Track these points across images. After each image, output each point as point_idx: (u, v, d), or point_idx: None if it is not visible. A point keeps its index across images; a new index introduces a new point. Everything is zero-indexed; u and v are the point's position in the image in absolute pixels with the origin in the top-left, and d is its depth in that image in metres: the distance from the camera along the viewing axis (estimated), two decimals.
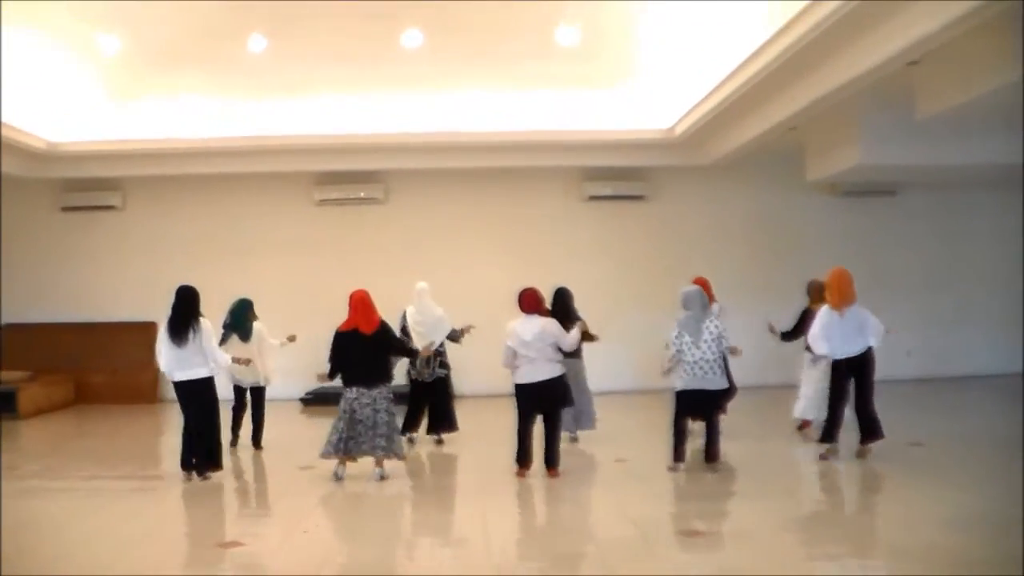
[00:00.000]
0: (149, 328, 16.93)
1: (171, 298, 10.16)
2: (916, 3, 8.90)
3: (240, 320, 11.61)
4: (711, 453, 10.05)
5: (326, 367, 9.94)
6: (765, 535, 7.60)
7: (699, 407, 10.00)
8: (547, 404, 9.89)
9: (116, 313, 17.20)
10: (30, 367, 15.97)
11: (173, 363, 9.99)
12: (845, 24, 9.59)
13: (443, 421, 12.11)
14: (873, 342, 10.22)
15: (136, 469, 11.24)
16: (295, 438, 12.35)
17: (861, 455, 10.39)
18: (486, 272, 16.49)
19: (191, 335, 9.89)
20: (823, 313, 10.41)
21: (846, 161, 14.22)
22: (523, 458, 9.95)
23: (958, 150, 13.67)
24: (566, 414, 10.71)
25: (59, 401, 16.07)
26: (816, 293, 11.83)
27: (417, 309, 11.85)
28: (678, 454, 10.02)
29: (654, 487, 9.42)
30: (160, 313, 16.40)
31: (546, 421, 9.97)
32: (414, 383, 11.94)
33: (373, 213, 17.34)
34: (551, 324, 9.97)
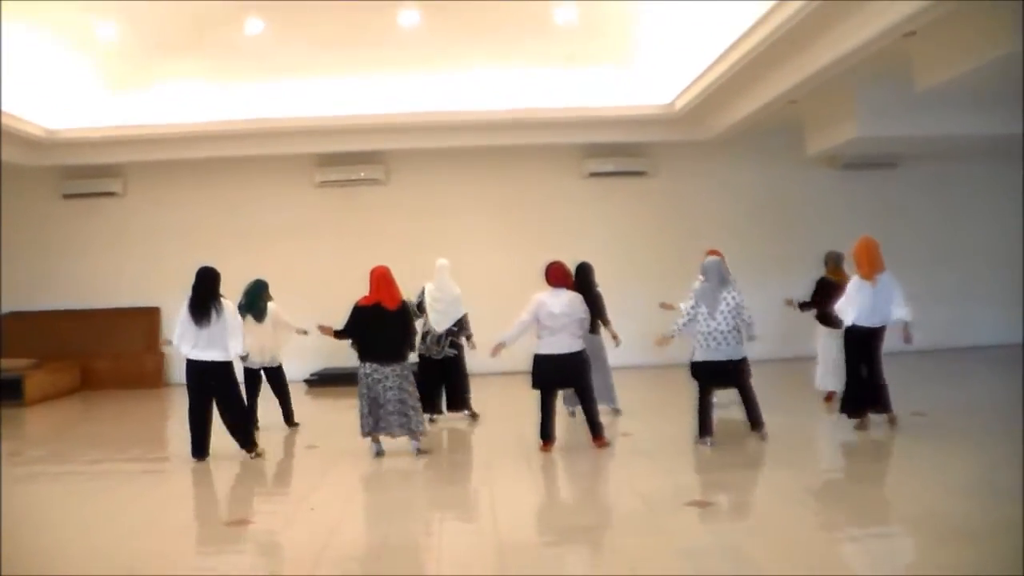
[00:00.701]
0: (152, 313, 17.14)
1: (190, 280, 10.14)
2: None
3: (255, 300, 11.64)
4: (753, 421, 9.99)
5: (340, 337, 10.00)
6: (769, 505, 7.70)
7: (717, 377, 9.93)
8: (568, 377, 9.96)
9: (118, 299, 17.29)
10: (33, 355, 15.98)
11: (192, 343, 9.91)
12: None
13: (455, 400, 12.15)
14: (905, 314, 10.20)
15: (143, 452, 11.21)
16: (301, 418, 12.34)
17: (863, 427, 10.43)
18: (488, 250, 16.56)
19: (213, 315, 9.85)
20: (854, 283, 10.29)
21: (845, 134, 14.25)
22: (547, 433, 9.96)
23: (956, 121, 13.71)
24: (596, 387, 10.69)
25: (64, 388, 16.12)
26: (832, 263, 11.91)
27: (436, 286, 11.86)
28: (704, 428, 9.92)
29: (661, 461, 9.42)
30: (162, 298, 16.89)
31: (580, 394, 10.03)
32: (423, 360, 11.95)
33: (374, 194, 17.37)
34: (579, 300, 9.97)
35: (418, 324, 11.34)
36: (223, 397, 10.06)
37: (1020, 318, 17.25)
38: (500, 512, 7.61)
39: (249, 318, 11.48)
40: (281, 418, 12.15)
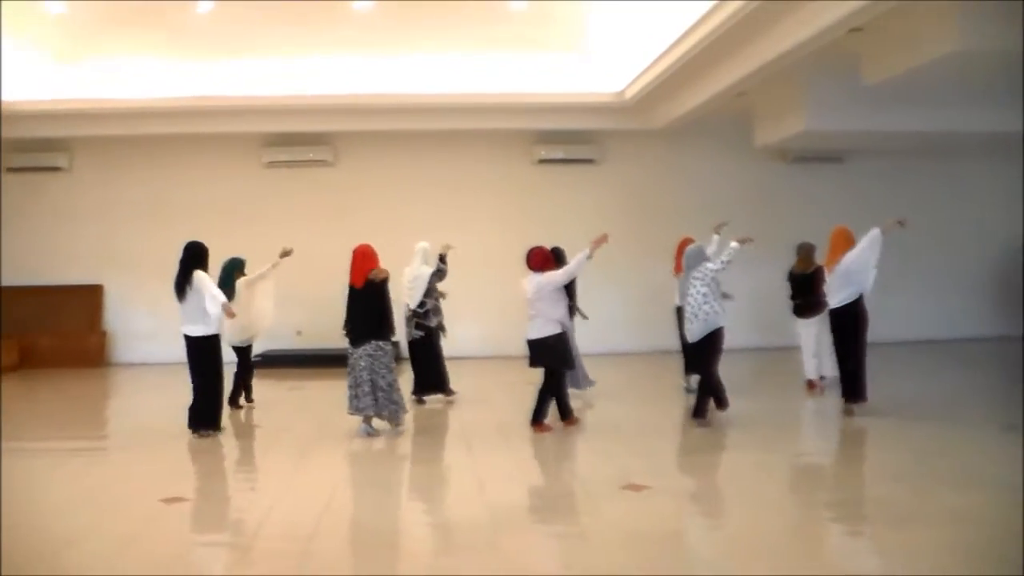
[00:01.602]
0: (96, 291, 16.98)
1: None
2: None
3: (226, 279, 11.53)
4: (700, 408, 10.25)
5: None
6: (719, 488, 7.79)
7: (690, 354, 10.53)
8: (538, 361, 10.04)
9: (63, 276, 17.06)
10: None
11: (181, 317, 10.07)
12: None
13: (421, 383, 12.22)
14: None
15: (85, 431, 11.17)
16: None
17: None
18: (437, 235, 16.44)
19: (188, 290, 9.92)
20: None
21: (793, 127, 14.39)
22: (536, 418, 10.08)
23: (903, 117, 13.93)
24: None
25: (4, 365, 15.85)
26: (803, 254, 12.35)
27: (410, 268, 12.02)
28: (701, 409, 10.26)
29: (607, 444, 9.54)
30: (107, 276, 16.72)
31: (547, 376, 10.10)
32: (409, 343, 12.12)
33: (322, 175, 17.30)
34: (545, 276, 9.98)
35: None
36: (196, 368, 10.08)
37: (959, 313, 17.61)
38: (438, 492, 7.72)
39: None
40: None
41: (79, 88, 15.27)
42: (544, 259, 10.14)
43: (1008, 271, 18.08)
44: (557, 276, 9.92)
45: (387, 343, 9.96)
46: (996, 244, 18.28)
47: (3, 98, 14.71)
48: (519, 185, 17.48)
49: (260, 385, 13.66)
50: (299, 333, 16.53)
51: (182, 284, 9.98)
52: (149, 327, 16.76)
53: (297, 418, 11.22)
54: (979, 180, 18.20)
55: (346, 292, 10.02)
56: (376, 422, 10.10)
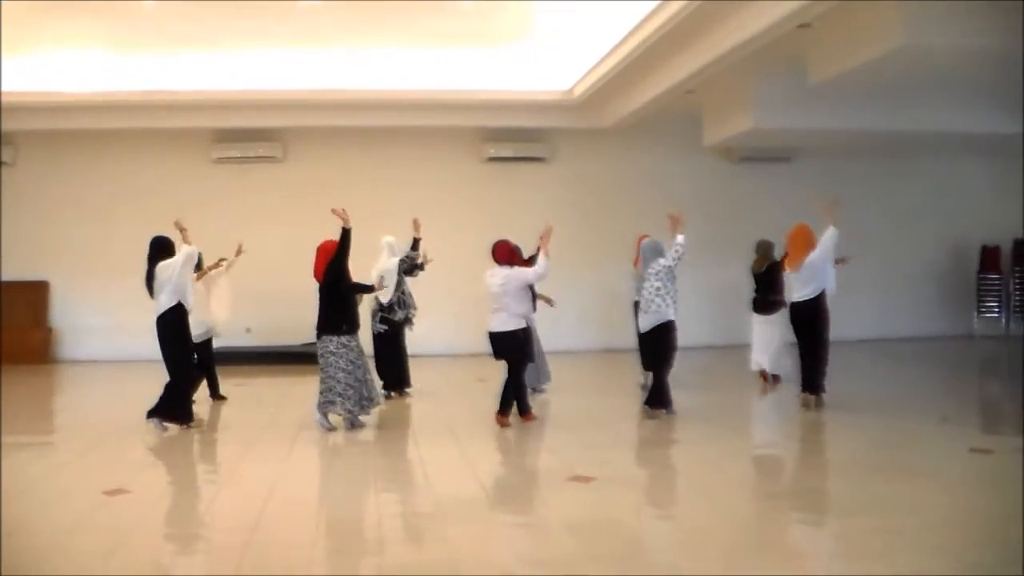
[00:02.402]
0: (39, 287, 16.74)
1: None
2: None
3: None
4: (651, 398, 10.47)
5: None
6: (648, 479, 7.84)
7: (644, 346, 10.48)
8: (502, 354, 10.08)
9: (7, 272, 16.70)
10: None
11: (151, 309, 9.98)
12: None
13: (386, 378, 12.22)
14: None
15: (30, 426, 11.06)
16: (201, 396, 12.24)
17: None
18: (387, 232, 16.43)
19: (155, 285, 9.91)
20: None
21: (741, 125, 14.47)
22: (502, 410, 10.09)
23: (850, 116, 14.07)
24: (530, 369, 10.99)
25: None
26: (761, 252, 12.63)
27: (378, 264, 12.07)
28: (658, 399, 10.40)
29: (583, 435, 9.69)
30: (51, 271, 16.49)
31: (510, 370, 10.11)
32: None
33: (271, 172, 17.19)
34: (515, 271, 10.07)
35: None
36: (164, 356, 9.98)
37: (892, 313, 17.96)
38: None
39: None
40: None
41: (23, 81, 15.01)
42: (510, 253, 10.24)
43: (959, 269, 18.36)
44: (527, 274, 10.05)
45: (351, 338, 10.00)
46: (946, 241, 18.51)
47: None
48: (469, 183, 17.48)
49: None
50: (248, 330, 16.37)
51: (150, 282, 9.96)
52: (95, 323, 16.59)
53: (247, 412, 11.11)
54: (928, 178, 18.45)
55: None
56: (334, 418, 10.10)
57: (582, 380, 14.13)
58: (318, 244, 10.18)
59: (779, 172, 17.74)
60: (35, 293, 16.85)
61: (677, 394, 10.54)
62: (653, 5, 11.26)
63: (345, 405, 9.85)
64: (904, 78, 12.05)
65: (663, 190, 17.47)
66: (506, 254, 10.15)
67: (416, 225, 12.28)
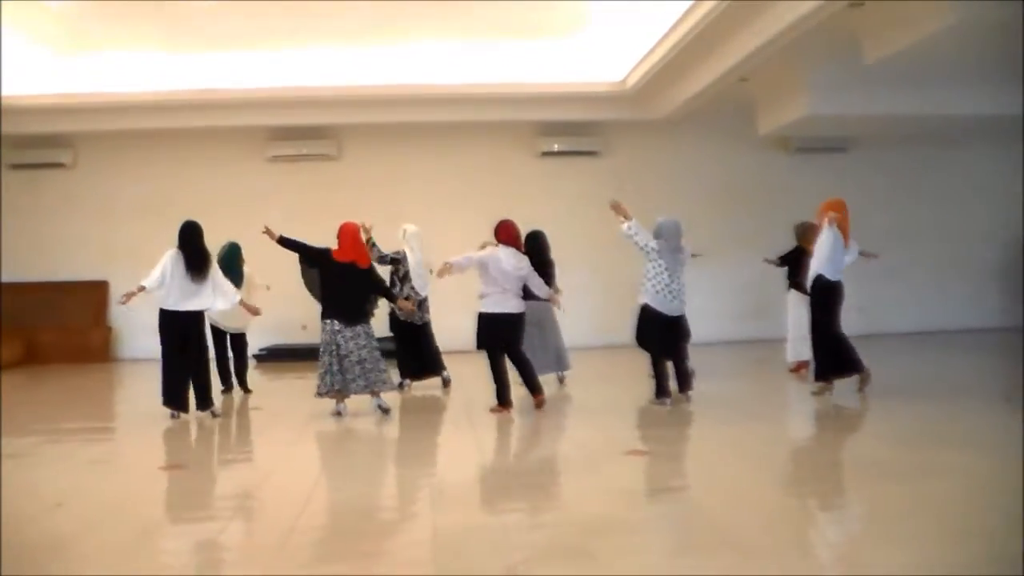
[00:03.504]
0: (100, 287, 16.99)
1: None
2: None
3: (232, 264, 11.59)
4: (686, 382, 10.31)
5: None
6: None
7: (669, 331, 10.13)
8: (510, 338, 9.95)
9: (66, 272, 17.04)
10: None
11: (180, 294, 9.92)
12: None
13: (433, 364, 12.25)
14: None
15: (95, 415, 11.43)
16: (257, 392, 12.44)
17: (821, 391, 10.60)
18: (440, 228, 16.41)
19: (209, 270, 10.04)
20: (833, 236, 10.46)
21: (796, 112, 14.28)
22: (505, 396, 9.98)
23: (909, 99, 13.83)
24: (547, 355, 11.13)
25: (9, 359, 15.79)
26: (807, 233, 12.15)
27: (414, 249, 11.99)
28: (663, 388, 10.13)
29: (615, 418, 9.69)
30: (111, 271, 16.65)
31: (513, 357, 10.00)
32: (404, 325, 11.93)
33: (326, 170, 17.28)
34: (527, 261, 10.08)
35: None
36: (197, 349, 10.09)
37: (973, 303, 17.62)
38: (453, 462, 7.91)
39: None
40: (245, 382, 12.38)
41: (81, 83, 15.27)
42: (516, 235, 10.23)
43: (1013, 261, 18.01)
44: (536, 280, 10.14)
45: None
46: (1002, 234, 18.17)
47: (5, 93, 14.75)
48: (523, 178, 17.42)
49: (264, 377, 13.77)
50: (304, 327, 16.47)
51: (205, 266, 10.08)
52: (154, 322, 16.69)
53: (296, 402, 11.16)
54: (984, 169, 18.10)
55: (326, 259, 10.02)
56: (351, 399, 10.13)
57: (606, 371, 13.95)
58: (350, 226, 10.14)
59: (835, 162, 17.50)
60: (95, 293, 17.09)
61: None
62: None
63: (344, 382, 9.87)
64: (960, 57, 11.83)
65: (717, 183, 17.42)
66: (513, 236, 10.14)
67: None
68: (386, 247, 11.83)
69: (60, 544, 5.56)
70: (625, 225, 10.10)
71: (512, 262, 9.88)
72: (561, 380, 11.92)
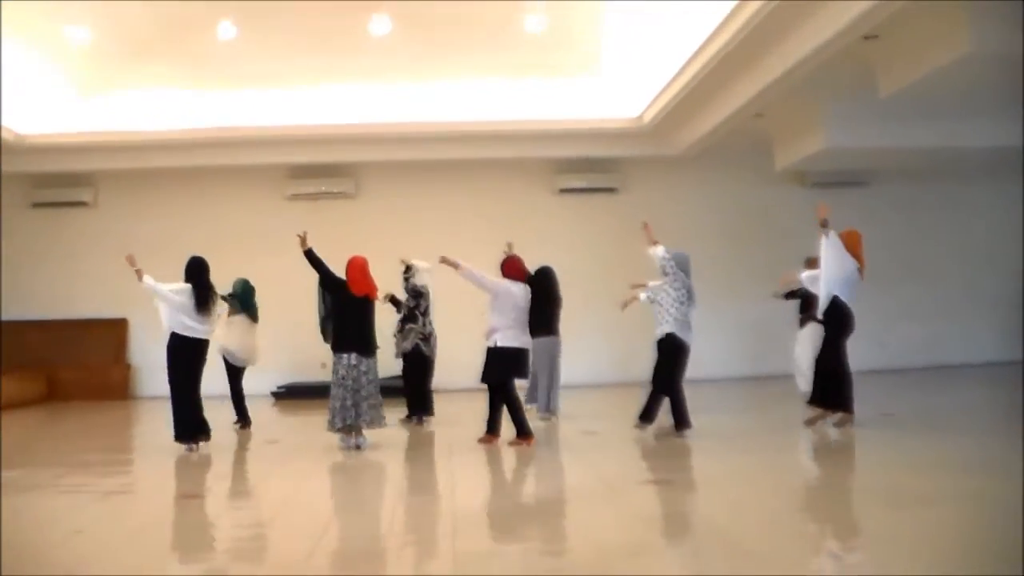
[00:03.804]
0: (120, 324, 17.08)
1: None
2: None
3: (250, 299, 11.81)
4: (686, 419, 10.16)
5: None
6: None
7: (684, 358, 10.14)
8: (519, 372, 9.96)
9: (87, 310, 17.19)
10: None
11: (189, 323, 10.11)
12: None
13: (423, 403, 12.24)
14: None
15: (114, 448, 11.58)
16: (279, 431, 12.58)
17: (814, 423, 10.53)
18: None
19: (215, 306, 10.32)
20: (835, 248, 10.36)
21: (812, 146, 14.35)
22: (525, 427, 9.85)
23: (925, 132, 13.86)
24: (546, 392, 11.31)
25: (31, 396, 15.93)
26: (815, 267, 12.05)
27: (427, 286, 12.22)
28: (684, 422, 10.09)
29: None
30: (130, 309, 16.69)
31: (507, 392, 9.89)
32: (422, 358, 12.10)
33: (344, 207, 17.37)
34: (528, 296, 10.13)
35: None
36: (197, 374, 10.19)
37: (992, 337, 17.53)
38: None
39: (244, 316, 11.67)
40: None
41: (103, 121, 15.47)
42: (523, 270, 10.30)
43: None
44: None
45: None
46: (1019, 267, 18.08)
47: (29, 132, 14.94)
48: (542, 215, 17.47)
49: (282, 414, 13.84)
50: (323, 365, 16.45)
51: (212, 303, 10.33)
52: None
53: (314, 436, 11.18)
54: (999, 203, 18.01)
55: (342, 290, 10.02)
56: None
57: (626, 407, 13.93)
58: (360, 260, 10.23)
59: (853, 197, 17.38)
60: (114, 331, 17.22)
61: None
62: (717, 23, 11.29)
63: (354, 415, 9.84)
64: (976, 89, 11.84)
65: (735, 218, 17.44)
66: (520, 271, 10.23)
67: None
68: (387, 284, 11.90)
69: (80, 567, 5.60)
70: (661, 249, 10.15)
71: (525, 297, 9.97)
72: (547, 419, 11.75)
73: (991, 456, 8.54)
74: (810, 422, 10.48)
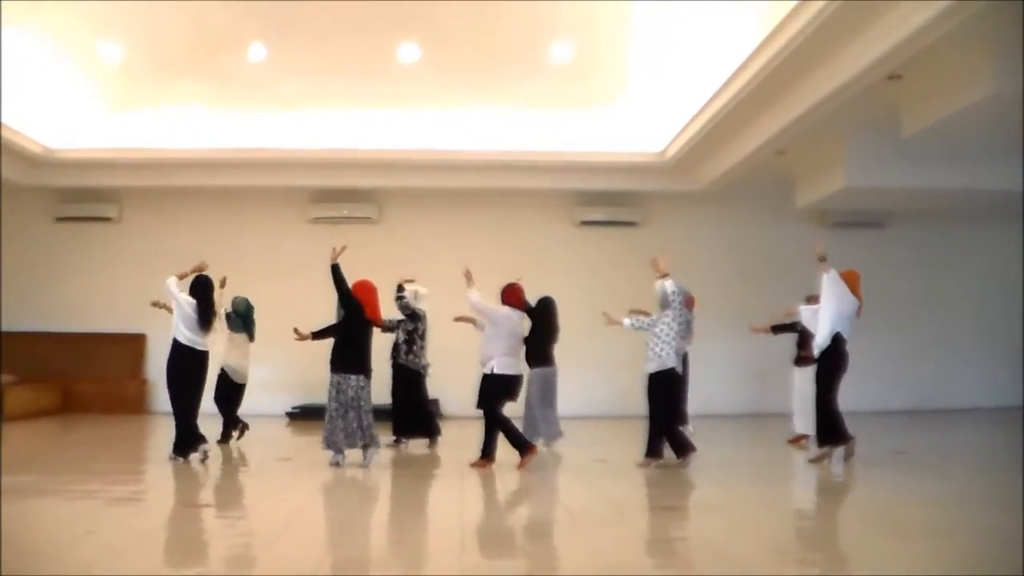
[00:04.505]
0: (138, 340, 17.15)
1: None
2: (894, 8, 9.06)
3: (249, 317, 11.98)
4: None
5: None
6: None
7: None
8: (512, 398, 10.12)
9: (106, 324, 17.27)
10: (17, 375, 15.86)
11: (194, 338, 10.57)
12: (822, 36, 9.90)
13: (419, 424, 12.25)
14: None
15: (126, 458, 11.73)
16: (292, 451, 12.50)
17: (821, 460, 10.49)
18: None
19: (214, 322, 10.67)
20: (836, 284, 10.40)
21: (833, 184, 14.34)
22: (523, 441, 9.96)
23: (946, 174, 13.82)
24: (545, 421, 11.14)
25: (46, 407, 15.97)
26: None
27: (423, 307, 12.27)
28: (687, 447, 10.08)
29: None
30: (149, 325, 16.75)
31: (497, 414, 9.99)
32: (418, 377, 12.16)
33: (366, 232, 17.34)
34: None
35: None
36: (200, 387, 10.63)
37: (1009, 381, 17.41)
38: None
39: (243, 335, 11.83)
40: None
41: (130, 138, 15.62)
42: (522, 300, 10.47)
43: None
44: None
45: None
46: None
47: (57, 146, 15.13)
48: (562, 246, 17.50)
49: (296, 434, 13.90)
50: None
51: (212, 320, 10.74)
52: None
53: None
54: (1019, 245, 17.96)
55: (356, 317, 10.20)
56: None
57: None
58: (368, 283, 10.53)
59: (871, 238, 17.43)
60: (133, 345, 17.30)
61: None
62: (741, 61, 11.35)
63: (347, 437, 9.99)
64: (996, 132, 11.81)
65: (753, 255, 17.43)
66: (520, 299, 10.41)
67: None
68: (431, 312, 12.22)
69: (91, 567, 5.67)
70: (671, 283, 10.14)
71: (523, 326, 10.18)
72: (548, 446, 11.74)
73: (998, 493, 8.58)
74: (817, 460, 10.45)
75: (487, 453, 10.00)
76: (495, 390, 9.91)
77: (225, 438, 12.33)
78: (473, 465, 9.93)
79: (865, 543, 6.64)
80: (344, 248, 10.36)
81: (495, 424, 9.95)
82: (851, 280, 10.49)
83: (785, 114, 12.05)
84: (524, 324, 10.11)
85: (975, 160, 13.37)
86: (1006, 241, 17.94)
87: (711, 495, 8.88)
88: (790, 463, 11.33)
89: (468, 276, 10.17)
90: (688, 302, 10.98)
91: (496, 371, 9.89)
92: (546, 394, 11.21)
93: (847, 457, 10.32)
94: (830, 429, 10.33)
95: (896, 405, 16.48)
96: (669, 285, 10.12)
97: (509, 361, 9.92)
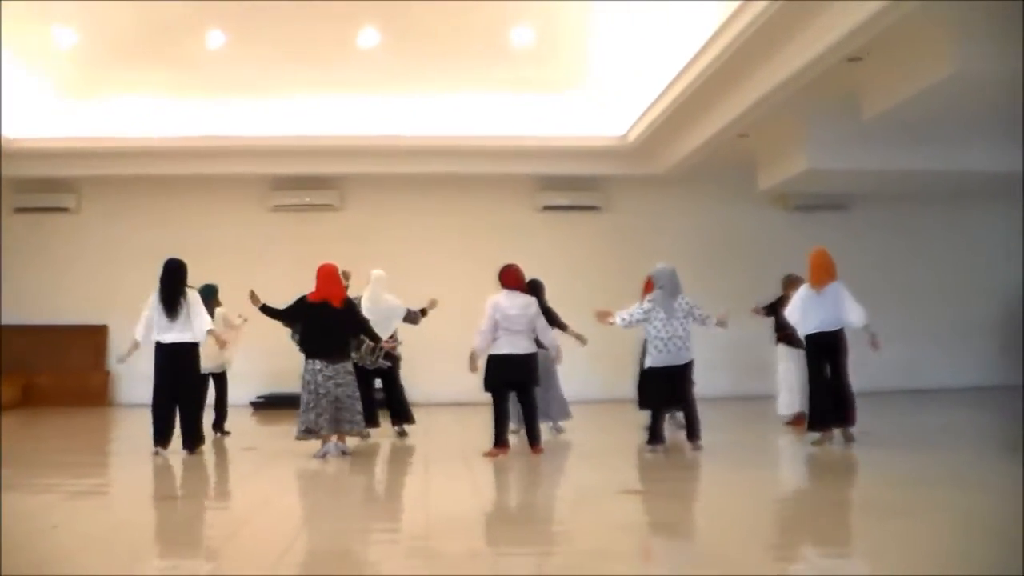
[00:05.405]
0: (100, 331, 17.02)
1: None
2: None
3: (205, 304, 11.72)
4: (691, 431, 10.13)
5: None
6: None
7: (671, 383, 10.05)
8: (522, 378, 9.95)
9: (67, 316, 17.10)
10: None
11: (162, 330, 10.25)
12: (781, 19, 9.90)
13: (399, 412, 12.06)
14: (857, 319, 10.49)
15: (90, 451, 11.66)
16: (256, 439, 12.57)
17: (822, 442, 10.47)
18: (441, 280, 16.43)
19: (182, 307, 10.24)
20: (801, 289, 10.67)
21: (795, 167, 14.34)
22: (502, 438, 9.90)
23: (908, 155, 13.86)
24: (544, 403, 10.91)
25: (7, 400, 15.77)
26: (790, 286, 12.06)
27: (370, 297, 11.73)
28: (657, 434, 10.08)
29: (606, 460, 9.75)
30: (111, 316, 16.64)
31: (523, 398, 10.05)
32: (356, 369, 11.85)
33: (328, 220, 17.33)
34: (534, 302, 10.12)
35: None
36: (188, 383, 10.40)
37: (972, 361, 17.66)
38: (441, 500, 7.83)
39: None
40: (222, 425, 12.37)
41: (86, 127, 15.42)
42: (519, 278, 10.24)
43: (1013, 319, 18.00)
44: (542, 322, 10.20)
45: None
46: (1002, 292, 18.19)
47: (10, 136, 14.88)
48: (523, 231, 17.43)
49: (261, 423, 13.83)
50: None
51: (177, 302, 10.24)
52: (151, 368, 16.69)
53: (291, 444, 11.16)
54: (983, 227, 18.21)
55: (301, 304, 10.15)
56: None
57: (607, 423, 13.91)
58: (326, 267, 10.34)
59: (834, 220, 17.50)
60: (95, 337, 17.15)
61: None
62: (701, 45, 11.37)
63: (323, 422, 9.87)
64: (958, 113, 11.90)
65: (716, 238, 17.49)
66: (516, 280, 10.16)
67: (432, 304, 12.08)
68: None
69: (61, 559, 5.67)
70: (618, 319, 10.16)
71: (517, 305, 9.91)
72: (558, 430, 11.78)
73: (972, 472, 8.69)
74: (818, 443, 10.47)
75: (497, 441, 9.92)
76: (495, 370, 9.90)
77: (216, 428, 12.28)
78: (486, 455, 9.84)
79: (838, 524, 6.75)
80: (252, 292, 10.30)
81: (502, 410, 9.97)
82: (815, 264, 10.68)
83: (746, 97, 12.08)
84: (521, 300, 9.97)
85: (936, 141, 13.42)
86: (971, 222, 18.15)
87: (684, 478, 8.96)
88: (762, 446, 11.45)
89: (473, 362, 9.96)
90: (647, 286, 10.93)
91: (493, 352, 9.92)
92: (543, 376, 11.14)
93: (848, 439, 10.44)
94: (827, 411, 10.45)
95: (861, 385, 16.55)
96: (618, 320, 10.19)
97: (507, 340, 9.82)
